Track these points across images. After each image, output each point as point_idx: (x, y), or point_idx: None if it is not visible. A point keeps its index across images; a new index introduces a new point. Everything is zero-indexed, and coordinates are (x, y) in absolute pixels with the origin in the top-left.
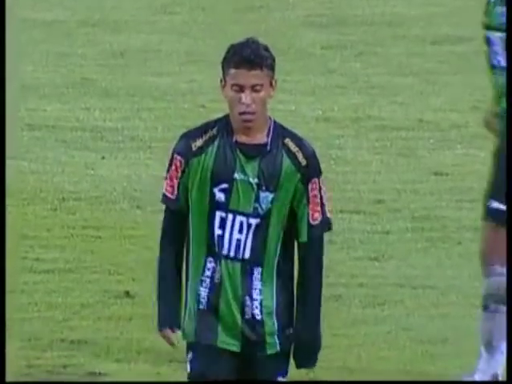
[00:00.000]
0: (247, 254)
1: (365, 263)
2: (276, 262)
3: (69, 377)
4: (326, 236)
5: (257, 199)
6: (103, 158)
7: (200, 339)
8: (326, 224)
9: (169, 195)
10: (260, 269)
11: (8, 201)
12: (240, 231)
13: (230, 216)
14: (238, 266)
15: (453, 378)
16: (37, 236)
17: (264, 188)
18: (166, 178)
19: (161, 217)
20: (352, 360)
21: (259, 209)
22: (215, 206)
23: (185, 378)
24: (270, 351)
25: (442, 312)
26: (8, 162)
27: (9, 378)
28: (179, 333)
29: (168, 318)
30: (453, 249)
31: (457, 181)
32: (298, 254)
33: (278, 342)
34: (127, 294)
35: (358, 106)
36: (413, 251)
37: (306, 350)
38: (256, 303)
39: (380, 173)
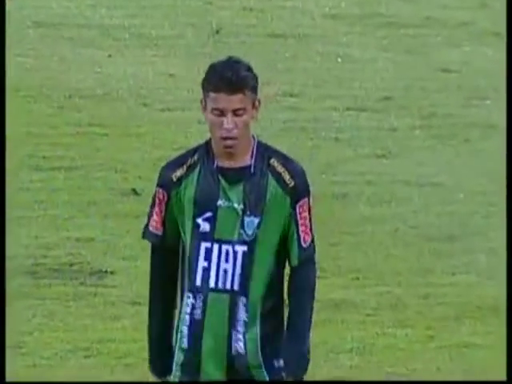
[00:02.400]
0: (235, 286)
1: (372, 161)
2: (263, 290)
3: (75, 275)
4: (333, 134)
5: (242, 225)
6: (109, 55)
7: (183, 378)
8: (314, 248)
9: (154, 231)
10: (245, 299)
11: (13, 98)
12: (226, 260)
13: (216, 246)
14: (225, 298)
15: (460, 274)
16: (42, 134)
17: (249, 213)
18: (151, 214)
19: (168, 114)
20: (359, 258)
21: (244, 235)
22: (200, 236)
23: None
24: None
25: (450, 210)
26: (14, 60)
27: (12, 277)
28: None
29: (157, 366)
30: (460, 146)
31: (465, 78)
32: (289, 277)
33: (266, 374)
34: (134, 191)
35: (365, 2)
36: (420, 149)
37: (293, 365)
38: (239, 336)
39: (387, 70)
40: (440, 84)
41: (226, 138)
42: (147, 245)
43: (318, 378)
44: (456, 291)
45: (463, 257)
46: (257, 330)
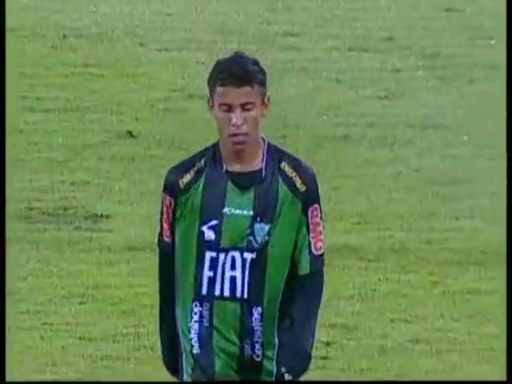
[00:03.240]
0: (246, 293)
1: (374, 102)
2: (278, 299)
3: (70, 219)
4: (334, 75)
5: (251, 232)
6: None
7: (197, 379)
8: (323, 258)
9: (166, 239)
10: (260, 309)
11: (7, 38)
12: (233, 267)
13: (222, 255)
14: (234, 306)
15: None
16: (36, 74)
17: (259, 219)
18: (161, 221)
19: (165, 54)
20: (361, 202)
21: (254, 242)
22: (204, 245)
23: None
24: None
25: (454, 153)
26: None
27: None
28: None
29: (172, 363)
30: (464, 88)
31: (469, 18)
32: (295, 286)
33: (274, 379)
34: (130, 133)
35: None
36: (424, 90)
37: (291, 357)
38: (257, 345)
39: (390, 9)
40: (444, 24)
41: (235, 135)
42: (144, 189)
43: (318, 324)
44: (460, 236)
45: (467, 201)
46: (275, 340)
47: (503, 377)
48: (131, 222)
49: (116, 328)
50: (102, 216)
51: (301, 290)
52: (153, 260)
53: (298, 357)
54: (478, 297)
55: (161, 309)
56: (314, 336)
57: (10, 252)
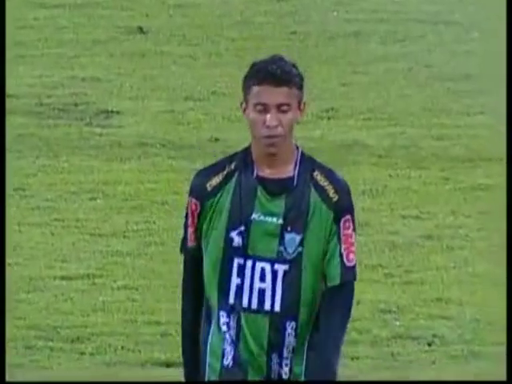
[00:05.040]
0: (277, 307)
1: None
2: (311, 313)
3: (80, 115)
4: None
5: (281, 242)
6: None
7: None
8: (356, 271)
9: (190, 244)
10: (294, 323)
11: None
12: (262, 279)
13: (249, 263)
14: (263, 319)
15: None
16: None
17: (289, 229)
18: (186, 225)
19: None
20: (372, 99)
21: (285, 253)
22: (232, 251)
23: None
24: None
25: (465, 48)
26: None
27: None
28: None
29: (194, 371)
30: None
31: None
32: (324, 299)
33: None
34: (140, 29)
35: None
36: None
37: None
38: (286, 361)
39: None
40: None
41: (269, 137)
42: (155, 85)
43: None
44: (471, 132)
45: (479, 97)
46: (304, 355)
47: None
48: (142, 118)
49: (126, 224)
50: (112, 112)
51: (329, 303)
52: (163, 156)
53: (324, 375)
54: (488, 193)
55: (183, 308)
56: (339, 351)
57: (20, 148)
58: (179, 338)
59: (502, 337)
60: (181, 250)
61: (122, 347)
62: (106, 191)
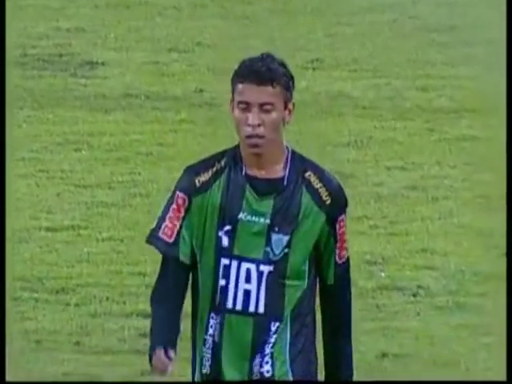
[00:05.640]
0: (261, 308)
1: None
2: (294, 312)
3: (65, 66)
4: None
5: (268, 243)
6: None
7: None
8: (348, 261)
9: (166, 239)
10: (278, 323)
11: None
12: (248, 280)
13: (235, 263)
14: (247, 321)
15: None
16: None
17: (277, 229)
18: (163, 219)
19: None
20: (357, 50)
21: (271, 254)
22: (219, 251)
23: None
24: None
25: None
26: None
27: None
28: (173, 356)
29: (162, 337)
30: None
31: None
32: (322, 296)
33: None
34: None
35: None
36: None
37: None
38: (267, 359)
39: None
40: None
41: (250, 136)
42: (140, 36)
43: None
44: (456, 83)
45: (464, 48)
46: (286, 349)
47: (499, 253)
48: (126, 69)
49: (111, 175)
50: (97, 63)
51: (329, 301)
52: (148, 107)
53: (344, 370)
54: (473, 144)
55: (154, 306)
56: (351, 340)
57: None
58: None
59: (487, 288)
60: (148, 240)
61: (107, 298)
62: (91, 142)
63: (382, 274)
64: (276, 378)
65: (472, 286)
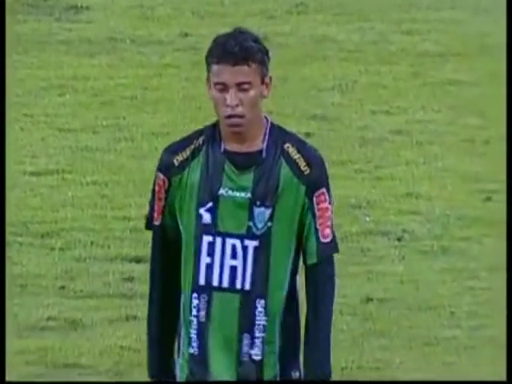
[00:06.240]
0: (247, 285)
1: None
2: (285, 292)
3: (50, 10)
4: None
5: (251, 217)
6: None
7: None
8: (336, 244)
9: (155, 222)
10: (263, 301)
11: None
12: (233, 256)
13: (219, 240)
14: (234, 298)
15: None
16: None
17: (259, 203)
18: (152, 201)
19: None
20: None
21: (254, 228)
22: (202, 229)
23: None
24: None
25: None
26: None
27: None
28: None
29: (157, 367)
30: None
31: None
32: (305, 277)
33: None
34: None
35: None
36: None
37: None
38: (257, 341)
39: None
40: None
41: (230, 117)
42: None
43: (298, 116)
44: (441, 27)
45: None
46: (276, 337)
47: (483, 197)
48: (111, 13)
49: (96, 119)
50: (81, 7)
51: (311, 282)
52: (133, 52)
53: (320, 360)
54: (458, 88)
55: (149, 306)
56: (330, 327)
57: None
58: (148, 234)
59: (471, 232)
60: (146, 227)
61: (92, 242)
62: (76, 86)
63: (367, 219)
64: (264, 367)
65: (456, 230)
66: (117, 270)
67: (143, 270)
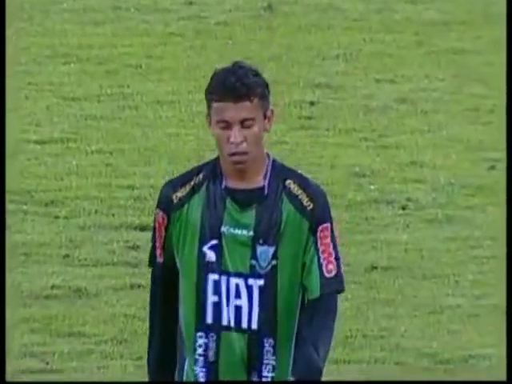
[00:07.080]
0: (254, 324)
1: None
2: (294, 329)
3: None
4: None
5: (253, 255)
6: None
7: None
8: (341, 282)
9: (156, 258)
10: (272, 340)
11: None
12: (238, 296)
13: (224, 278)
14: (242, 338)
15: None
16: None
17: (261, 241)
18: (154, 239)
19: None
20: None
21: (257, 267)
22: (206, 267)
23: None
24: None
25: None
26: None
27: None
28: None
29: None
30: None
31: None
32: (304, 312)
33: None
34: None
35: None
36: None
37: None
38: (267, 380)
39: None
40: None
41: (234, 154)
42: None
43: (302, 85)
44: None
45: None
46: (288, 374)
47: (487, 166)
48: None
49: (100, 88)
50: None
51: (311, 314)
52: (137, 20)
53: (307, 371)
54: (463, 56)
55: (150, 338)
56: (325, 356)
57: None
58: (153, 203)
59: (476, 200)
60: (149, 265)
61: (96, 211)
62: (80, 55)
63: (371, 187)
64: None
65: (461, 199)
66: (121, 239)
67: (148, 238)
